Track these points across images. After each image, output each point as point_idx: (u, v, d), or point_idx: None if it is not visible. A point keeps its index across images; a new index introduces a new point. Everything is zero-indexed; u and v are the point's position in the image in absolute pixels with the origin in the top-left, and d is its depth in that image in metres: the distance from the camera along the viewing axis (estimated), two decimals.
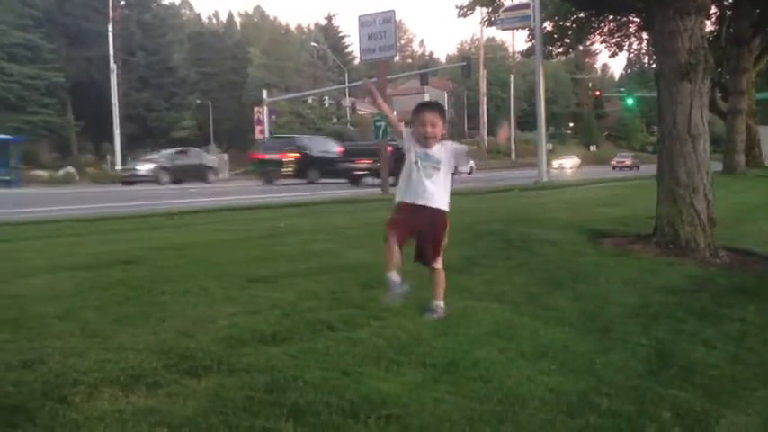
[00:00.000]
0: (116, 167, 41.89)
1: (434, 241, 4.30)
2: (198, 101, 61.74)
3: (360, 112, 69.03)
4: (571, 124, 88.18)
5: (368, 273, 5.45)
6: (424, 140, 4.21)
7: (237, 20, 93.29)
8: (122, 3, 51.71)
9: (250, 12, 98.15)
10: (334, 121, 64.60)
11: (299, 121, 59.46)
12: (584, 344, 3.80)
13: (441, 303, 4.28)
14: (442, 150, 4.24)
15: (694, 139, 7.09)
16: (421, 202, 4.19)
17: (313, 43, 74.44)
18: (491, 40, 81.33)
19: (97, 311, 4.17)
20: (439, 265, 4.32)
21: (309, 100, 62.57)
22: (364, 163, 27.19)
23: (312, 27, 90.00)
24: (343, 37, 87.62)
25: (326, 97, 63.94)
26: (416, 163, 4.22)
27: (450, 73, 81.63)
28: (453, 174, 4.41)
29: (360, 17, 21.08)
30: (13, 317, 4.00)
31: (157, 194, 22.81)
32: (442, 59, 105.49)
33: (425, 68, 60.26)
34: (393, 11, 20.91)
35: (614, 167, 55.52)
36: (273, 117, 42.53)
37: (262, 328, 3.74)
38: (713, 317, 4.45)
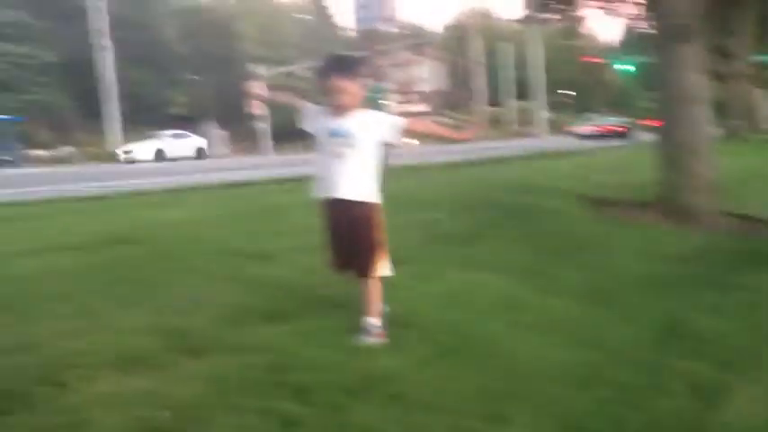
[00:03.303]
0: (116, 148, 41.71)
1: (357, 243, 3.29)
2: (192, 76, 61.32)
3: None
4: (569, 92, 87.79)
5: None
6: (335, 111, 3.27)
7: None
8: None
9: None
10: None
11: (291, 94, 58.87)
12: (591, 316, 3.72)
13: (375, 321, 3.31)
14: (361, 120, 3.26)
15: (692, 102, 6.99)
16: (332, 195, 3.29)
17: (303, 15, 73.74)
18: (486, 9, 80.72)
19: (95, 292, 4.12)
20: (375, 273, 3.31)
21: (297, 71, 62.07)
22: None
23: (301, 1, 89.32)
24: (332, 9, 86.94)
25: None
26: (323, 141, 3.31)
27: (446, 43, 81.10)
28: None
29: None
30: (8, 299, 3.94)
31: (158, 171, 22.67)
32: (439, 30, 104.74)
33: (420, 39, 59.82)
34: None
35: (580, 137, 40.57)
36: (267, 92, 42.22)
37: (262, 307, 3.68)
38: (723, 285, 4.37)
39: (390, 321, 3.36)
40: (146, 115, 54.10)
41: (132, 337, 3.17)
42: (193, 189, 11.95)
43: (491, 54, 69.63)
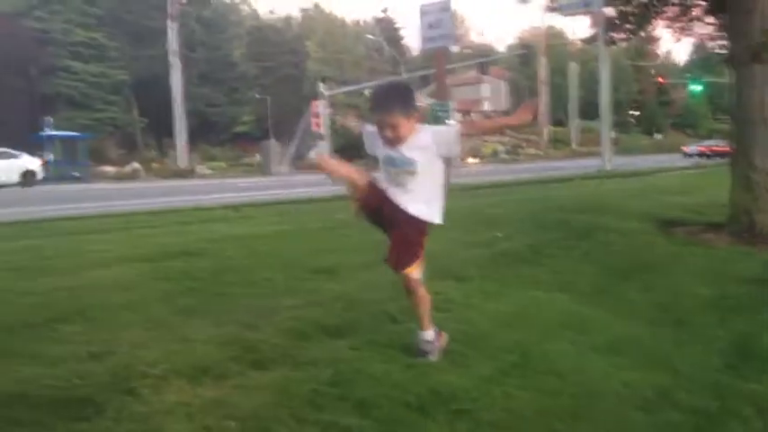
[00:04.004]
0: (179, 163, 42.77)
1: (397, 234, 3.21)
2: (258, 95, 62.46)
3: (417, 104, 68.83)
4: (633, 112, 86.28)
5: (428, 263, 5.36)
6: (387, 143, 3.18)
7: (295, 15, 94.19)
8: (182, 0, 52.50)
9: (307, 6, 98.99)
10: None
11: (356, 114, 59.49)
12: (658, 337, 3.64)
13: (428, 335, 3.25)
14: (418, 142, 3.14)
15: (765, 123, 6.82)
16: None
17: (369, 36, 74.47)
18: (550, 28, 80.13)
19: (162, 303, 4.21)
20: (407, 270, 3.20)
21: (366, 92, 62.69)
22: None
23: (368, 20, 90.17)
24: (398, 29, 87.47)
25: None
26: (384, 169, 3.24)
27: (509, 62, 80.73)
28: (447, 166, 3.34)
29: (421, 6, 21.01)
30: (81, 308, 4.06)
31: (220, 187, 23.10)
32: (501, 49, 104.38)
33: (484, 58, 59.72)
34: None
35: (688, 155, 47.59)
36: (330, 111, 42.61)
37: (325, 321, 3.70)
38: None
39: (455, 338, 3.34)
40: (212, 133, 55.36)
41: (199, 348, 3.23)
42: (254, 205, 12.16)
43: (555, 72, 69.00)
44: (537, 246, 6.10)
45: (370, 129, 3.32)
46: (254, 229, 7.99)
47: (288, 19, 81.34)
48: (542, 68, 65.43)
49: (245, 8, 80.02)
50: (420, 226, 3.18)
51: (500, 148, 62.07)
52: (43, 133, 36.84)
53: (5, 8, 48.61)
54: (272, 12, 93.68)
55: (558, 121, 70.62)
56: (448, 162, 3.34)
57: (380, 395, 2.69)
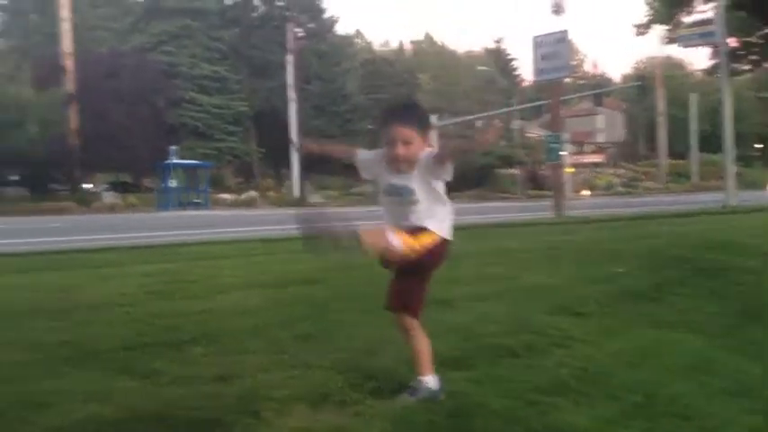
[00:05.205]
0: (294, 192, 44.00)
1: (403, 270, 3.05)
2: (370, 126, 63.54)
3: (529, 135, 68.15)
4: (757, 145, 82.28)
5: (545, 297, 5.31)
6: (395, 165, 2.95)
7: (408, 47, 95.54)
8: (301, 35, 54.23)
9: (420, 38, 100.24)
10: (503, 144, 64.05)
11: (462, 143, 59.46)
12: None
13: (427, 380, 3.05)
14: (419, 173, 2.93)
15: None
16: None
17: (481, 67, 74.61)
18: (669, 58, 77.79)
19: (283, 328, 4.35)
20: (409, 322, 3.09)
21: (478, 123, 62.63)
22: None
23: (480, 51, 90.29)
24: (511, 60, 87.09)
25: (495, 120, 63.61)
26: (383, 196, 3.06)
27: (625, 93, 78.90)
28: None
29: (534, 38, 20.93)
30: (208, 331, 4.25)
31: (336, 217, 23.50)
32: (616, 79, 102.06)
33: (599, 89, 58.64)
34: (566, 31, 20.63)
35: None
36: (440, 141, 42.93)
37: (442, 352, 3.69)
38: None
39: (576, 377, 3.28)
40: (325, 163, 56.60)
41: (320, 374, 3.31)
42: None
43: (674, 104, 66.91)
44: (660, 283, 5.91)
45: (362, 153, 3.18)
46: (371, 259, 8.10)
47: (400, 51, 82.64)
48: (660, 100, 63.58)
49: (359, 41, 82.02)
50: (433, 249, 2.95)
51: (615, 180, 60.51)
52: (168, 161, 38.73)
53: (136, 43, 51.76)
54: (383, 45, 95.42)
55: (678, 153, 68.20)
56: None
57: (500, 430, 2.68)
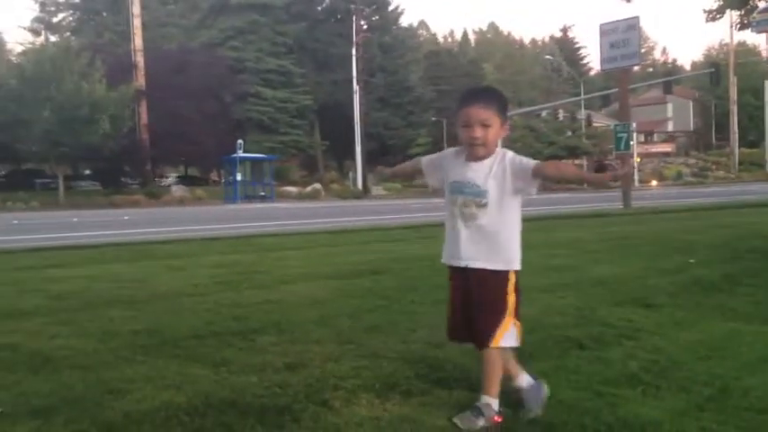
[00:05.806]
0: (357, 184, 44.32)
1: (480, 308, 2.69)
2: (433, 118, 63.40)
3: (595, 125, 66.92)
4: None
5: (614, 289, 5.22)
6: (470, 150, 2.72)
7: (472, 37, 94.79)
8: (365, 27, 54.45)
9: (484, 28, 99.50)
10: (569, 134, 63.08)
11: (532, 135, 58.85)
12: None
13: (493, 403, 2.71)
14: (494, 168, 2.70)
15: None
16: (456, 263, 2.78)
17: (547, 56, 73.53)
18: (742, 44, 75.27)
19: (350, 318, 4.40)
20: (496, 343, 2.68)
21: (543, 114, 61.82)
22: None
23: (546, 40, 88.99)
24: (578, 48, 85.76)
25: (561, 110, 62.77)
26: (448, 197, 2.83)
27: (696, 81, 76.73)
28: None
29: (601, 26, 20.47)
30: (276, 321, 4.32)
31: (398, 209, 23.60)
32: (687, 67, 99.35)
33: (668, 76, 57.18)
34: (637, 17, 20.06)
35: None
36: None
37: None
38: None
39: (646, 369, 3.22)
40: (389, 155, 56.79)
41: (387, 364, 3.32)
42: (431, 226, 12.29)
43: (747, 91, 64.78)
44: (733, 275, 5.74)
45: (426, 159, 3.06)
46: (435, 250, 8.10)
47: (464, 41, 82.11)
48: (732, 87, 61.62)
49: (422, 32, 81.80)
50: (510, 282, 2.74)
51: (685, 170, 59.01)
52: (234, 155, 39.46)
53: (204, 39, 52.79)
54: (448, 35, 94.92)
55: (751, 142, 66.08)
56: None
57: (569, 422, 2.64)
